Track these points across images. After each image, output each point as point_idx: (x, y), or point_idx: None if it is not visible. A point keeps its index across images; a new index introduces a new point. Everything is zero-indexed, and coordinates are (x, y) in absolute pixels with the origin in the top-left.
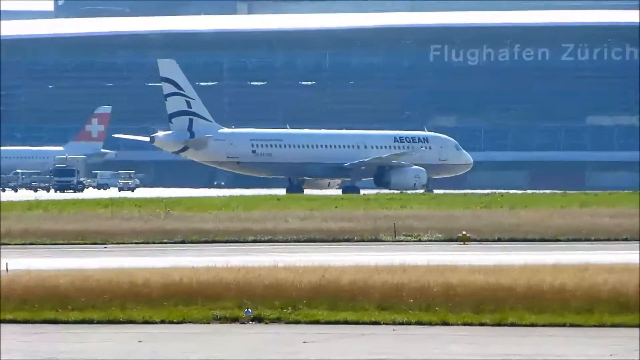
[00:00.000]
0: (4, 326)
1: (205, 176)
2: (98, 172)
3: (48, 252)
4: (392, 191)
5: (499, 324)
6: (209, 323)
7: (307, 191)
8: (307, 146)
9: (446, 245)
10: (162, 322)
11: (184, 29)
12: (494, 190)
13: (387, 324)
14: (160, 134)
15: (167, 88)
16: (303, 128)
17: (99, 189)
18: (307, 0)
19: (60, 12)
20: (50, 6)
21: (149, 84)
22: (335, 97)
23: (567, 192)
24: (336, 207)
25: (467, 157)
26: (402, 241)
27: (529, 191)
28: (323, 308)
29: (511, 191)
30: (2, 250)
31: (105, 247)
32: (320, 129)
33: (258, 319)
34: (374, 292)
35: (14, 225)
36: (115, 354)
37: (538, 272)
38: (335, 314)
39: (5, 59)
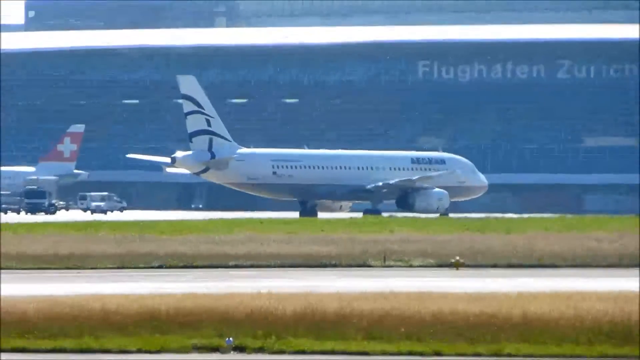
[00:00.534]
0: None
1: (183, 198)
2: (87, 194)
3: (16, 278)
4: (414, 214)
5: (494, 355)
6: (187, 353)
7: (320, 214)
8: (328, 167)
9: (438, 271)
10: (139, 351)
11: (160, 44)
12: (488, 215)
13: (375, 354)
14: (180, 154)
15: (187, 106)
16: (285, 148)
17: (92, 212)
18: (288, 17)
19: (30, 25)
20: (20, 19)
21: (125, 101)
22: (316, 116)
23: (565, 215)
24: (322, 230)
25: (483, 179)
26: (391, 267)
27: (524, 215)
28: (308, 337)
29: (506, 215)
30: None
31: (78, 272)
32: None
33: (240, 349)
34: (362, 320)
35: None
36: None
37: (535, 300)
38: (321, 343)
39: None
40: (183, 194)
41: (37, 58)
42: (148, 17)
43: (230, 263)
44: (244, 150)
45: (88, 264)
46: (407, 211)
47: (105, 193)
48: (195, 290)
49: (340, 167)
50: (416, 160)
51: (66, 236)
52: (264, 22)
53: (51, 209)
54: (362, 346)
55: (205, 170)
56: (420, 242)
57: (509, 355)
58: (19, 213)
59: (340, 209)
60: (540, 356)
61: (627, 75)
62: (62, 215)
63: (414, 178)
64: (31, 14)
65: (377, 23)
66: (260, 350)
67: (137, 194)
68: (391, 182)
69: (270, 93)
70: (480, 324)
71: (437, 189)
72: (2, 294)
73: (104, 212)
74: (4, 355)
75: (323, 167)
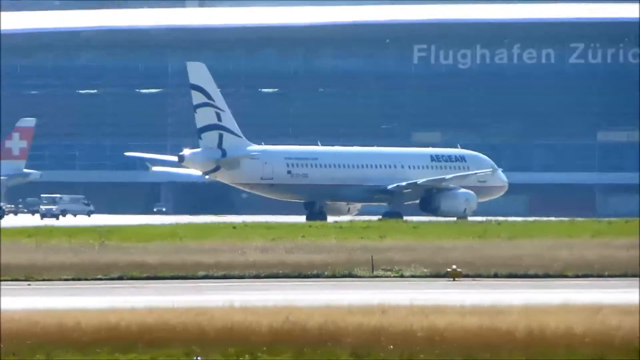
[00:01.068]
0: None
1: (143, 200)
2: (58, 196)
3: None
4: (438, 218)
5: None
6: None
7: (330, 218)
8: (345, 166)
9: (433, 281)
10: None
11: (124, 25)
12: (489, 218)
13: None
14: (188, 152)
15: (197, 97)
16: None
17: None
18: None
19: None
20: None
21: (81, 91)
22: (302, 107)
23: (575, 219)
24: (303, 236)
25: (504, 178)
26: (381, 277)
27: (529, 218)
28: (287, 355)
29: (509, 218)
30: None
31: (29, 285)
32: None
33: None
34: (348, 337)
35: None
36: None
37: (541, 313)
38: None
39: None
40: (150, 196)
41: None
42: None
43: (200, 274)
44: (255, 147)
45: (41, 275)
46: (430, 214)
47: (79, 195)
48: (161, 305)
49: (358, 166)
50: (435, 158)
51: (16, 244)
52: (238, 2)
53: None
54: None
55: (215, 170)
56: (413, 250)
57: None
58: None
59: (349, 212)
60: None
61: None
62: (10, 221)
63: (447, 177)
64: None
65: (364, 2)
66: None
67: (98, 196)
68: (419, 182)
69: (248, 82)
70: (479, 341)
71: (463, 190)
72: None
73: (56, 216)
74: None
75: (340, 166)
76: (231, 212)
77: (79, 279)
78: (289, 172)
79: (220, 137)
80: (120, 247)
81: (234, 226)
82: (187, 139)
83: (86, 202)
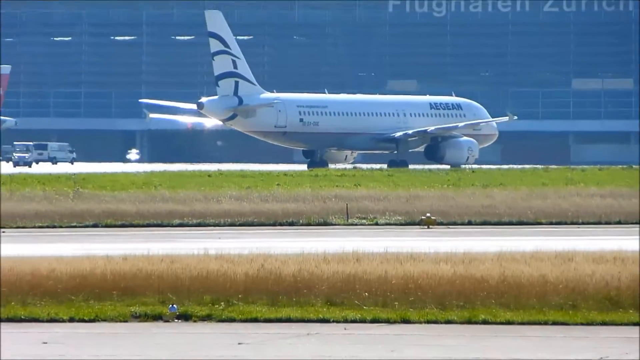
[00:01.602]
0: None
1: (118, 148)
2: (48, 143)
3: None
4: (442, 166)
5: (468, 322)
6: (126, 321)
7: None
8: (353, 114)
9: (407, 229)
10: (71, 320)
11: None
12: (463, 166)
13: (337, 321)
14: (205, 99)
15: (215, 45)
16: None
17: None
18: None
19: None
20: None
21: (56, 39)
22: (276, 56)
23: (549, 167)
24: (278, 184)
25: (494, 126)
26: (355, 225)
27: (504, 167)
28: (262, 303)
29: (483, 166)
30: None
31: (3, 232)
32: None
33: (185, 317)
34: (322, 284)
35: None
36: (14, 358)
37: (515, 261)
38: (276, 310)
39: None
40: (125, 144)
41: None
42: None
43: (175, 222)
44: (267, 94)
45: (15, 223)
46: (435, 163)
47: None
48: (135, 252)
49: (366, 114)
50: (434, 106)
51: None
52: None
53: None
54: (322, 313)
55: (232, 117)
56: (387, 198)
57: (484, 322)
58: None
59: (346, 160)
60: (520, 323)
61: (621, 10)
62: None
63: (460, 125)
64: None
65: None
66: (208, 318)
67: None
68: (429, 130)
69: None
70: (453, 288)
71: (466, 138)
72: None
73: (28, 164)
74: None
75: (349, 114)
76: (206, 161)
77: (54, 227)
78: (301, 120)
79: (236, 84)
80: (95, 195)
81: (208, 174)
82: (161, 88)
83: (70, 149)
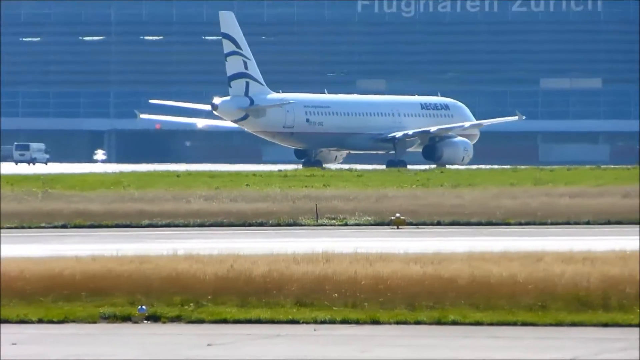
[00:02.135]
0: None
1: (85, 148)
2: (30, 144)
3: None
4: (438, 166)
5: (437, 323)
6: (95, 322)
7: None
8: (354, 114)
9: (377, 230)
10: (40, 321)
11: None
12: (432, 166)
13: (307, 322)
14: (219, 100)
15: (227, 46)
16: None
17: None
18: None
19: None
20: None
21: (24, 39)
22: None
23: (518, 167)
24: (247, 185)
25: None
26: (325, 225)
27: (472, 166)
28: (231, 304)
29: (452, 166)
30: None
31: None
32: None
33: (154, 318)
34: (292, 285)
35: None
36: None
37: (484, 261)
38: (246, 311)
39: None
40: (93, 144)
41: None
42: None
43: (144, 222)
44: (274, 94)
45: None
46: (433, 162)
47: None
48: (104, 253)
49: (366, 114)
50: (425, 106)
51: None
52: None
53: None
54: (291, 314)
55: (244, 118)
56: (357, 198)
57: (454, 322)
58: None
59: (335, 160)
60: (490, 324)
61: (590, 9)
62: None
63: (466, 125)
64: None
65: None
66: (177, 319)
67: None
68: (432, 129)
69: (187, 29)
70: (422, 288)
71: (460, 138)
72: None
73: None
74: None
75: (351, 114)
76: (175, 161)
77: (22, 227)
78: (307, 120)
79: (247, 85)
80: (64, 195)
81: (177, 175)
82: (128, 86)
83: (46, 150)
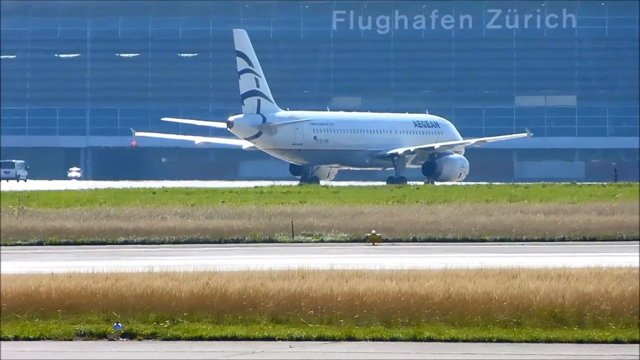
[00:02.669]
0: None
1: (62, 165)
2: (15, 162)
3: None
4: (436, 182)
5: (413, 339)
6: (71, 340)
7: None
8: (356, 131)
9: (352, 246)
10: (16, 338)
11: None
12: (408, 183)
13: (282, 339)
14: (233, 118)
15: (241, 64)
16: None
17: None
18: None
19: None
20: None
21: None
22: (221, 71)
23: (493, 183)
24: (223, 201)
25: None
26: (301, 242)
27: (448, 183)
28: (207, 321)
29: (448, 183)
30: None
31: None
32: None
33: (130, 335)
34: (268, 302)
35: None
36: None
37: (459, 278)
38: (222, 328)
39: None
40: (69, 161)
41: None
42: None
43: (119, 239)
44: (282, 112)
45: None
46: (433, 179)
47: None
48: (80, 270)
49: (367, 131)
50: (417, 124)
51: None
52: None
53: None
54: (267, 331)
55: (257, 135)
56: (333, 215)
57: (429, 339)
58: None
59: (328, 177)
60: (465, 340)
61: (564, 27)
62: None
63: (472, 142)
64: None
65: None
66: (153, 336)
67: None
68: (436, 146)
69: (163, 46)
70: (398, 305)
71: (457, 155)
72: None
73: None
74: None
75: (353, 131)
76: (151, 178)
77: None
78: (315, 137)
79: (259, 102)
80: (40, 212)
81: (153, 191)
82: (104, 103)
83: (26, 167)
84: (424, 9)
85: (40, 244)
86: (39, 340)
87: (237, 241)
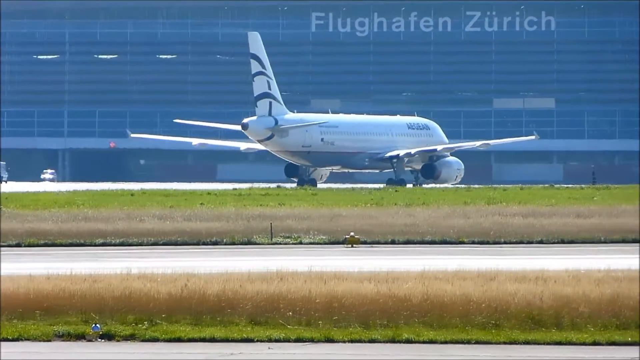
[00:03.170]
0: None
1: (39, 167)
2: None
3: None
4: (435, 185)
5: (391, 341)
6: (49, 341)
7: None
8: (359, 133)
9: (331, 248)
10: None
11: None
12: (385, 185)
13: (261, 341)
14: (247, 120)
15: (255, 66)
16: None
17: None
18: None
19: None
20: None
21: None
22: (200, 74)
23: (471, 186)
24: (201, 203)
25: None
26: (279, 244)
27: (426, 186)
28: (185, 323)
29: (406, 186)
30: None
31: None
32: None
33: (108, 336)
34: (246, 303)
35: None
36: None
37: (437, 280)
38: (200, 329)
39: None
40: (47, 163)
41: None
42: None
43: (98, 241)
44: (290, 114)
45: None
46: (432, 181)
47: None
48: (58, 272)
49: (368, 133)
50: (410, 126)
51: None
52: None
53: None
54: (245, 332)
55: (269, 138)
56: (311, 217)
57: (408, 341)
58: None
59: (321, 179)
60: (443, 342)
61: (543, 29)
62: None
63: (477, 144)
64: None
65: None
66: (131, 337)
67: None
68: (438, 149)
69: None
70: (376, 306)
71: (453, 158)
72: None
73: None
74: None
75: (356, 133)
76: (129, 180)
77: None
78: (322, 140)
79: (270, 105)
80: (18, 214)
81: (131, 193)
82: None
83: (7, 168)
84: (403, 11)
85: (18, 245)
86: (18, 341)
87: (215, 243)
